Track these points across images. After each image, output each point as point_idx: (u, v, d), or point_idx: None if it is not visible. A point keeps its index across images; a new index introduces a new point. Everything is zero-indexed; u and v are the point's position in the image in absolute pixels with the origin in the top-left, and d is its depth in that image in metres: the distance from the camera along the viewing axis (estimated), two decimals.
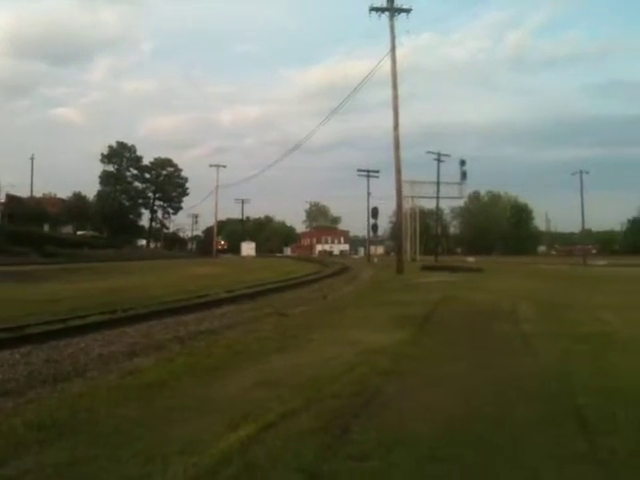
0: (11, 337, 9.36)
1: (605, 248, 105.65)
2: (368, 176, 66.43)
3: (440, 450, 4.15)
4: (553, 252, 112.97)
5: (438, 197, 63.26)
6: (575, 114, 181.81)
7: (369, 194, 65.76)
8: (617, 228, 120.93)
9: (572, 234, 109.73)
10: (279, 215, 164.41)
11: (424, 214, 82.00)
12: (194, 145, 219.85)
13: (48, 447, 4.30)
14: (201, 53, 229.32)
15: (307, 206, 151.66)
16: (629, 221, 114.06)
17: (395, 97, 31.98)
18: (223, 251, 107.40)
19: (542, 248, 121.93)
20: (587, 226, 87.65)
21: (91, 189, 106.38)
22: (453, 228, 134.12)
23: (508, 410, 5.20)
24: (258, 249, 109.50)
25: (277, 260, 73.18)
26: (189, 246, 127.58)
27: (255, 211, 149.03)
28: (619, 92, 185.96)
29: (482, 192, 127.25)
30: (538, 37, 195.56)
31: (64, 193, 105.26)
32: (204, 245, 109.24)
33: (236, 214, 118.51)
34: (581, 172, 75.38)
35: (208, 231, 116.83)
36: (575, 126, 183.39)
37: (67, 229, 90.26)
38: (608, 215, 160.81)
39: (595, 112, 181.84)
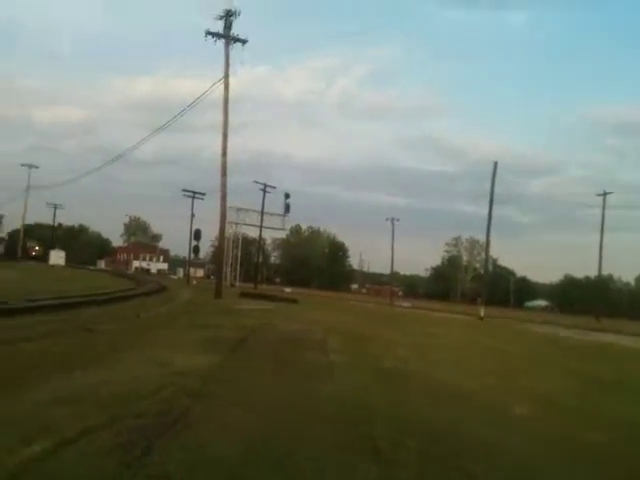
0: None
1: (410, 291, 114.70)
2: (193, 197, 65.73)
3: (240, 471, 4.24)
4: (364, 290, 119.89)
5: (262, 226, 64.69)
6: (391, 163, 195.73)
7: (193, 215, 65.07)
8: (421, 274, 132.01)
9: (382, 275, 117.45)
10: (95, 226, 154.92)
11: (247, 241, 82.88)
12: (3, 141, 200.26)
13: None
14: (17, 46, 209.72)
15: (127, 220, 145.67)
16: (433, 269, 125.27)
17: (225, 124, 32.25)
18: (35, 257, 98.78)
19: (355, 286, 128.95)
20: (395, 269, 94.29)
21: None
22: (274, 258, 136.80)
23: (309, 435, 5.45)
24: (69, 259, 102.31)
25: (89, 273, 68.90)
26: None
27: (69, 219, 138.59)
28: (430, 148, 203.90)
29: (303, 226, 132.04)
30: (363, 86, 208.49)
31: None
32: (14, 249, 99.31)
33: (47, 219, 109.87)
34: (393, 219, 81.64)
35: (14, 234, 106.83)
36: (391, 175, 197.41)
37: None
38: (414, 261, 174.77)
39: (408, 164, 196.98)
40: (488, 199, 43.19)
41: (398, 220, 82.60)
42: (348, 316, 26.73)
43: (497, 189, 43.68)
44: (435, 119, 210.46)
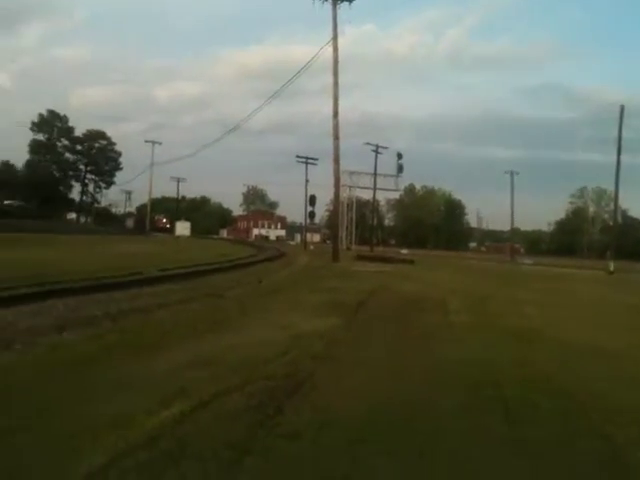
0: None
1: (532, 247, 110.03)
2: (307, 163, 66.18)
3: (367, 432, 4.29)
4: (483, 248, 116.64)
5: (375, 188, 64.27)
6: (507, 114, 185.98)
7: (307, 181, 65.68)
8: (544, 228, 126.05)
9: (502, 232, 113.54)
10: (215, 196, 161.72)
11: (361, 204, 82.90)
12: (129, 119, 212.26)
13: None
14: (136, 26, 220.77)
15: (245, 189, 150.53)
16: (556, 223, 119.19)
17: (335, 85, 31.93)
18: (164, 229, 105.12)
19: (473, 244, 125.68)
20: (516, 225, 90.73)
21: (20, 158, 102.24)
22: (388, 220, 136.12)
23: (434, 396, 5.40)
24: (193, 230, 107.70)
25: (212, 242, 72.17)
26: (128, 223, 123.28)
27: (191, 191, 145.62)
28: (549, 96, 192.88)
29: (417, 186, 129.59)
30: (475, 37, 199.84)
31: None
32: (142, 222, 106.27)
33: (171, 192, 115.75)
34: (512, 172, 77.75)
35: (142, 208, 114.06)
36: (507, 126, 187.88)
37: None
38: (536, 215, 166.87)
39: (526, 114, 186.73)
40: (616, 146, 40.31)
41: (518, 173, 78.60)
42: (467, 275, 26.20)
43: (626, 135, 40.71)
44: (556, 65, 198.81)
